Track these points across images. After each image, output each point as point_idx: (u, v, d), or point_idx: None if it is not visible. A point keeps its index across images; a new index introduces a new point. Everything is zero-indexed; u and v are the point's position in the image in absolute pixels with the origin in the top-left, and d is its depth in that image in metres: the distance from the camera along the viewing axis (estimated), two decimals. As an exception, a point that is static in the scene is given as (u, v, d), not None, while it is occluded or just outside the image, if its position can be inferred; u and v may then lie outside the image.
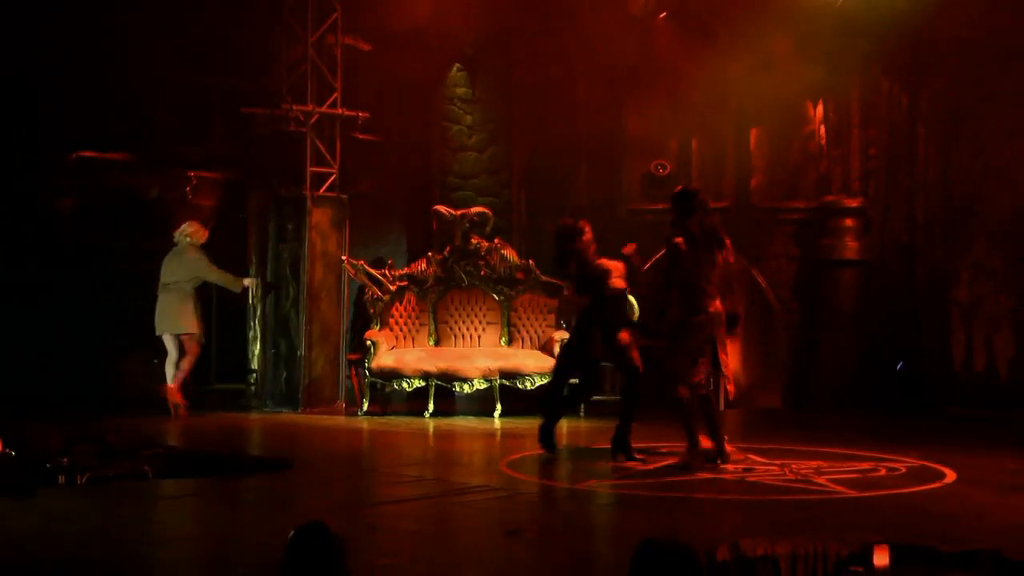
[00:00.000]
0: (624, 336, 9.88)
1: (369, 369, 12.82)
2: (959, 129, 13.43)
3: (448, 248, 13.54)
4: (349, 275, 13.38)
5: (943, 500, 8.39)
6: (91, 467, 8.78)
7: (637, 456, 9.74)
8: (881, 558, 5.94)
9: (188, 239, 12.97)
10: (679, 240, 9.44)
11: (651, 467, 9.49)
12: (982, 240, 13.35)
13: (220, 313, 15.01)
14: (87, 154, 13.32)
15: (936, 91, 13.51)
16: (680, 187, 9.99)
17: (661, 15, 14.00)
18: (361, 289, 13.56)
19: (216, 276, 13.09)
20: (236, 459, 9.78)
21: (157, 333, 12.96)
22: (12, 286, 12.68)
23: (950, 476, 9.12)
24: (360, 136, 13.90)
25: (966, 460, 9.79)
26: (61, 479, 8.53)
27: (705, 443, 9.49)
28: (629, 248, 9.93)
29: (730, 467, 9.44)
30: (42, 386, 12.41)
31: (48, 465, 8.66)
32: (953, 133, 13.48)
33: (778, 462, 9.65)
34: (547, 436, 10.09)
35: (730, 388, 9.69)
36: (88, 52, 12.88)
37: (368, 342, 12.91)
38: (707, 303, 9.41)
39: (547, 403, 10.40)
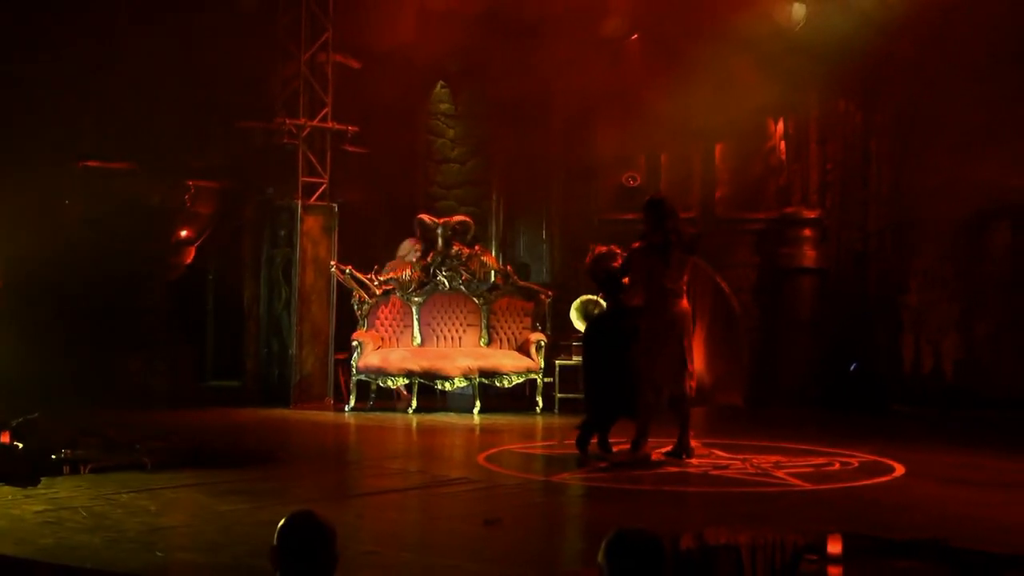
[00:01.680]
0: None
1: (356, 368, 12.81)
2: (910, 145, 13.48)
3: (431, 254, 13.55)
4: (337, 279, 13.37)
5: (893, 492, 8.44)
6: (93, 458, 8.76)
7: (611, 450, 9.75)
8: (835, 547, 5.96)
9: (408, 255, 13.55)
10: (636, 244, 9.49)
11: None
12: (931, 249, 13.39)
13: (216, 314, 14.99)
14: (93, 164, 13.27)
15: (888, 110, 13.57)
16: (649, 196, 10.00)
17: (632, 37, 14.03)
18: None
19: None
20: (231, 452, 9.75)
21: None
22: (21, 288, 12.61)
23: (899, 470, 9.18)
24: (349, 148, 13.89)
25: (914, 455, 9.84)
26: (65, 469, 8.50)
27: (647, 450, 9.48)
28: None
29: (695, 461, 9.48)
30: (48, 381, 12.35)
31: (53, 456, 8.63)
32: (904, 149, 13.53)
33: (740, 457, 9.69)
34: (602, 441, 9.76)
35: (692, 384, 9.65)
36: (95, 68, 12.85)
37: (355, 342, 12.90)
38: (674, 303, 9.43)
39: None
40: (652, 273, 9.41)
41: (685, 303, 9.56)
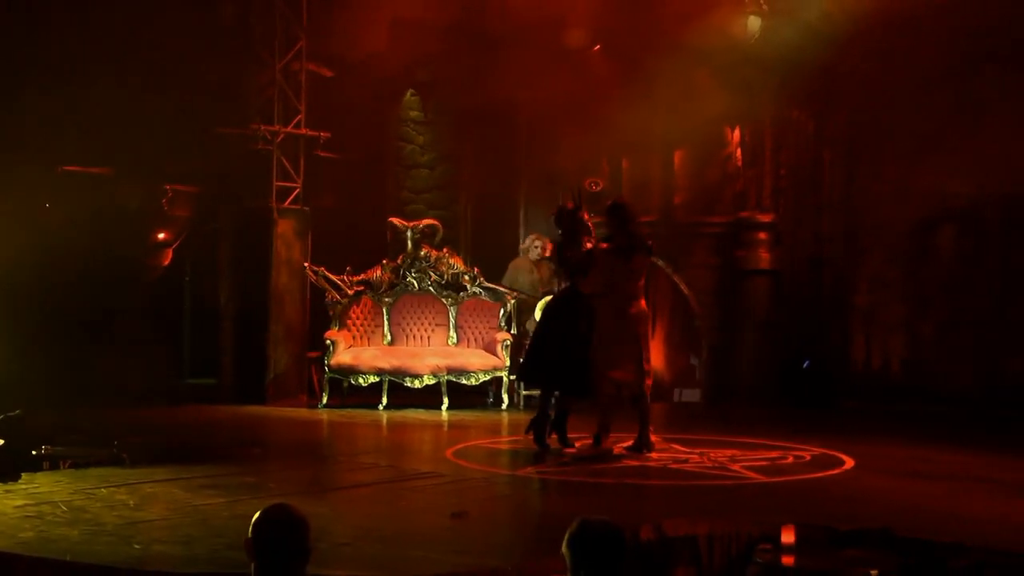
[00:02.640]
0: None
1: (328, 366, 12.78)
2: (859, 153, 13.60)
3: (401, 256, 13.54)
4: (310, 280, 13.33)
5: (843, 485, 8.50)
6: (73, 454, 8.70)
7: (571, 443, 9.77)
8: (787, 537, 6.01)
9: (540, 252, 12.94)
10: (603, 246, 9.52)
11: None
12: (879, 253, 13.52)
13: (193, 314, 14.91)
14: (73, 168, 13.17)
15: (839, 119, 13.68)
16: (611, 200, 10.00)
17: (594, 48, 14.09)
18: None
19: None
20: (207, 447, 9.71)
21: None
22: (1, 289, 12.50)
23: (849, 463, 9.24)
24: (322, 154, 13.85)
25: (863, 449, 9.92)
26: (45, 465, 8.44)
27: (608, 444, 9.52)
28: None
29: (655, 456, 9.51)
30: (30, 379, 12.24)
31: (33, 452, 8.57)
32: (854, 156, 13.64)
33: (698, 451, 9.73)
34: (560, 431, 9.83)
35: (649, 383, 9.67)
36: (74, 74, 12.75)
37: (328, 341, 12.86)
38: (633, 304, 9.47)
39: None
40: (614, 273, 9.45)
41: (643, 304, 9.62)
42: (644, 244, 9.56)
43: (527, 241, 13.49)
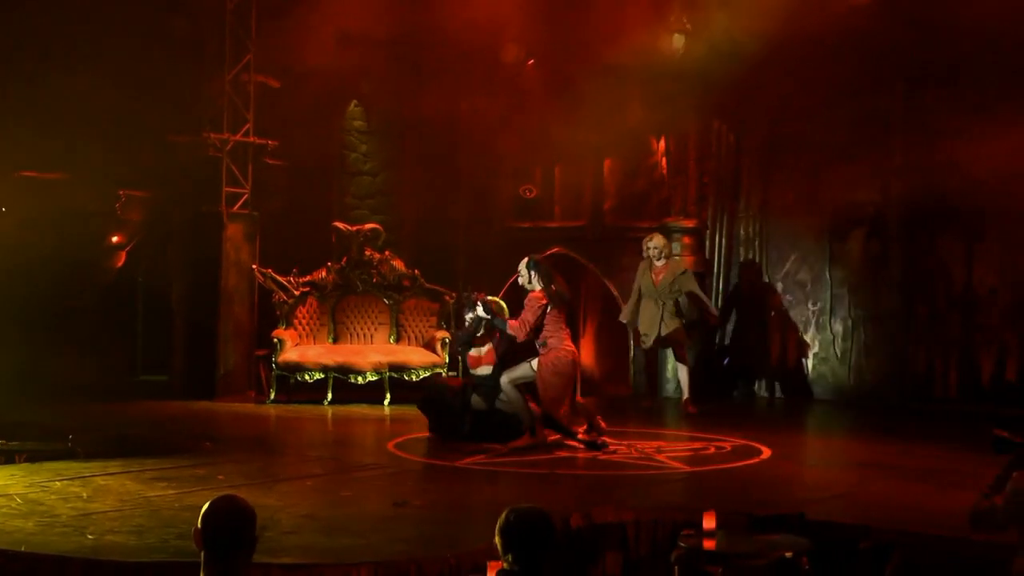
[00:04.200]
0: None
1: (276, 363, 12.69)
2: (776, 163, 13.75)
3: (345, 259, 13.47)
4: (258, 281, 13.22)
5: (760, 473, 8.60)
6: (28, 448, 8.57)
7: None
8: (709, 522, 6.06)
9: (661, 251, 12.18)
10: (541, 299, 9.48)
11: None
12: (793, 256, 13.69)
13: (145, 313, 14.73)
14: (29, 173, 12.96)
15: (757, 131, 13.81)
16: (528, 258, 9.87)
17: (528, 63, 14.12)
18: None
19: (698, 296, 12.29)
20: (158, 441, 9.60)
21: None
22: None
23: (766, 453, 9.34)
24: (270, 161, 13.74)
25: (779, 439, 10.04)
26: (1, 459, 8.30)
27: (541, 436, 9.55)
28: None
29: (578, 444, 9.51)
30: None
31: (-12, 447, 8.45)
32: (771, 166, 13.80)
33: (625, 443, 9.78)
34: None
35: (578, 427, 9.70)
36: (30, 82, 12.54)
37: (275, 339, 12.77)
38: (568, 344, 9.53)
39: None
40: (556, 322, 9.46)
41: (570, 343, 9.68)
42: (567, 299, 9.70)
43: (644, 243, 12.48)
